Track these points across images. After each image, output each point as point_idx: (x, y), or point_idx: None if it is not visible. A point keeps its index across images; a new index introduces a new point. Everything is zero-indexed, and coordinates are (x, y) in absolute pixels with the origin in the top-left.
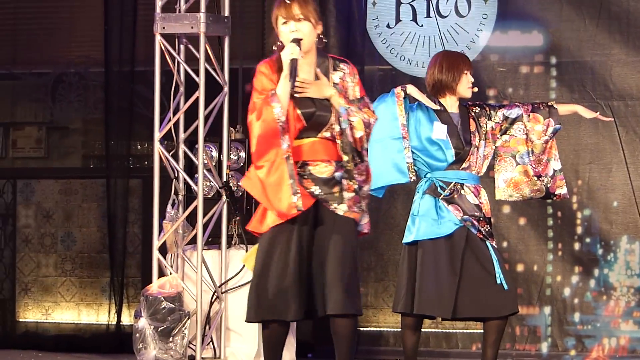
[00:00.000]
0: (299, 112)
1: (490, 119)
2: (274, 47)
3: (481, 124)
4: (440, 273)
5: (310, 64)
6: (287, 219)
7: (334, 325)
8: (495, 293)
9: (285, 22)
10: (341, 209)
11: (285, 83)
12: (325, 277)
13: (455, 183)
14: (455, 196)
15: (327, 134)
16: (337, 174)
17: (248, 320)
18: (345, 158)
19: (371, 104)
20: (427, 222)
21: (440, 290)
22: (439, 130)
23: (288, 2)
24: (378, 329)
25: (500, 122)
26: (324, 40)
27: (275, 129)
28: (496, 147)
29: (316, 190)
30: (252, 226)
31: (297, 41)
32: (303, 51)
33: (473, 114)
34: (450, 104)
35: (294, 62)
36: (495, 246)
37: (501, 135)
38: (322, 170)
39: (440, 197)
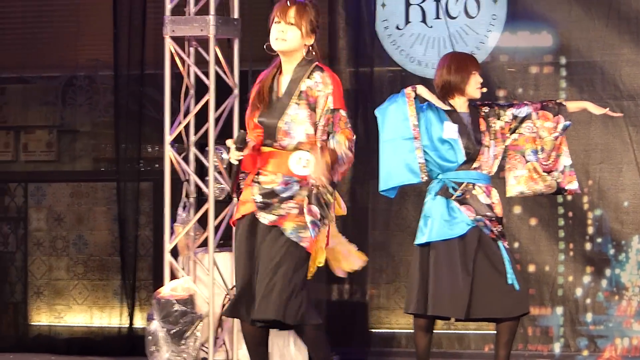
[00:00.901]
0: (255, 120)
1: (499, 118)
2: (264, 46)
3: (491, 124)
4: (453, 274)
5: (290, 71)
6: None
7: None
8: (507, 294)
9: (278, 22)
10: (267, 219)
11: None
12: (258, 285)
13: (467, 183)
14: (467, 196)
15: (278, 144)
16: (279, 188)
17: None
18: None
19: (345, 118)
20: (439, 223)
21: (453, 291)
22: (450, 130)
23: (288, 4)
24: (390, 331)
25: (510, 121)
26: (313, 52)
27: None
28: (506, 146)
29: (257, 198)
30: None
31: (241, 138)
32: (282, 51)
33: (483, 114)
34: (460, 104)
35: (232, 168)
36: (507, 246)
37: (511, 134)
38: (267, 181)
39: (452, 198)
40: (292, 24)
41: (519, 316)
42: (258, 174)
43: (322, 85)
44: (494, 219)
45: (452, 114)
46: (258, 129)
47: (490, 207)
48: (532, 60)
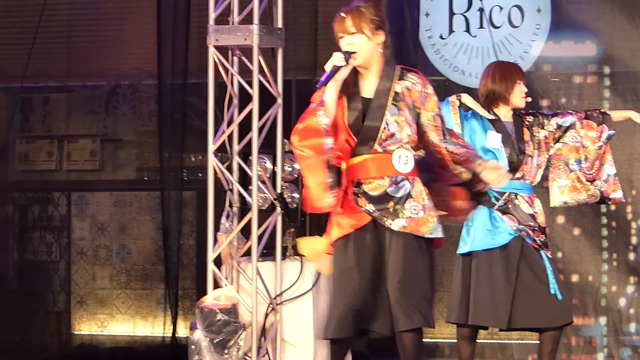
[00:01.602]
0: (347, 126)
1: (543, 127)
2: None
3: (534, 133)
4: (495, 283)
5: (374, 75)
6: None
7: (399, 339)
8: (550, 303)
9: (342, 37)
10: (396, 225)
11: (330, 88)
12: (389, 296)
13: (510, 193)
14: (510, 206)
15: (379, 148)
16: (391, 189)
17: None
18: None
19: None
20: (481, 232)
21: (495, 300)
22: (494, 139)
23: (343, 15)
24: (433, 340)
25: (554, 130)
26: (388, 46)
27: (319, 130)
28: (549, 155)
29: (370, 208)
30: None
31: (347, 53)
32: (361, 64)
33: (527, 123)
34: (504, 114)
35: (333, 68)
36: (550, 256)
37: (554, 144)
38: (375, 187)
39: (495, 208)
40: (354, 33)
41: (562, 326)
42: (358, 184)
43: (422, 86)
44: (536, 228)
45: (496, 123)
46: (351, 135)
47: (533, 216)
48: (576, 70)
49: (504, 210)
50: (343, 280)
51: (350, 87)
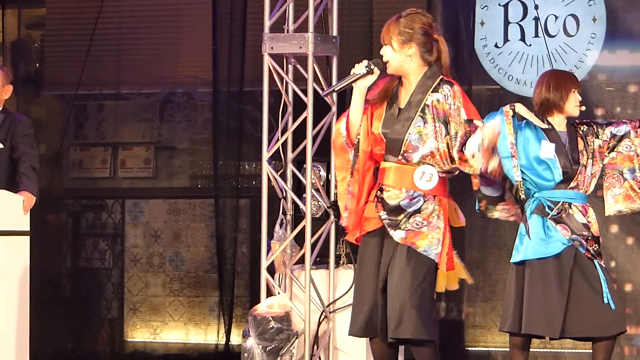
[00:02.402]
0: (377, 132)
1: (597, 137)
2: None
3: (589, 142)
4: (549, 292)
5: (413, 83)
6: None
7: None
8: (603, 313)
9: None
10: (397, 236)
11: (354, 95)
12: (389, 302)
13: (563, 202)
14: (564, 215)
15: (403, 158)
16: (404, 202)
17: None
18: None
19: (479, 123)
20: (535, 241)
21: (548, 309)
22: (547, 149)
23: (385, 25)
24: (486, 349)
25: (608, 139)
26: (427, 59)
27: (341, 143)
28: (604, 164)
29: (382, 215)
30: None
31: (377, 62)
32: (392, 72)
33: (581, 133)
34: (558, 122)
35: (352, 75)
36: (604, 265)
37: (609, 153)
38: (391, 196)
39: (549, 217)
40: (386, 44)
41: (615, 335)
42: (381, 190)
43: (452, 99)
44: (590, 237)
45: (550, 133)
46: (378, 142)
47: (586, 226)
48: (631, 79)
49: (558, 220)
50: (357, 282)
51: (388, 96)
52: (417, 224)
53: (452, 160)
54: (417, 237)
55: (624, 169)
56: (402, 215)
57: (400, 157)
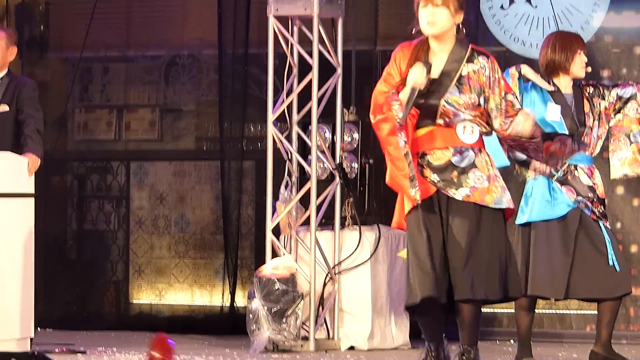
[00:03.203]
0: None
1: (603, 98)
2: (413, 31)
3: (595, 104)
4: (553, 254)
5: (445, 50)
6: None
7: (459, 308)
8: (609, 274)
9: (424, 7)
10: (459, 194)
11: (404, 98)
12: (451, 264)
13: (569, 164)
14: (569, 177)
15: (442, 121)
16: (455, 159)
17: (406, 305)
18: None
19: (516, 100)
20: (540, 203)
21: (553, 271)
22: (553, 112)
23: None
24: (492, 311)
25: (614, 101)
26: (463, 30)
27: (394, 126)
28: (610, 126)
29: (435, 178)
30: (396, 223)
31: (427, 63)
32: (434, 34)
33: (587, 95)
34: (564, 84)
35: (413, 92)
36: (609, 227)
37: (615, 115)
38: (439, 157)
39: (554, 179)
40: (439, 5)
41: (620, 296)
42: (423, 156)
43: (490, 71)
44: (595, 199)
45: (556, 95)
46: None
47: (592, 188)
48: (637, 41)
49: (563, 182)
50: (416, 251)
51: (420, 62)
52: (479, 179)
53: (491, 129)
54: (484, 193)
55: (631, 132)
56: (456, 172)
57: (439, 120)
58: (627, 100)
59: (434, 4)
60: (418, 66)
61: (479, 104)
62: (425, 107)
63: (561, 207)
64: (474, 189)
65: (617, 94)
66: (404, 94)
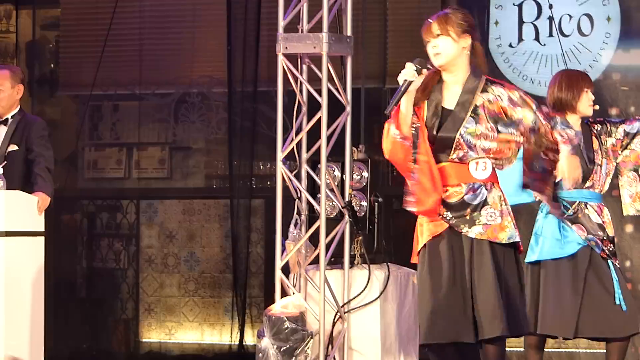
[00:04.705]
0: (426, 132)
1: (611, 135)
2: (427, 65)
3: (603, 141)
4: (563, 293)
5: (458, 82)
6: (435, 234)
7: (483, 348)
8: (616, 313)
9: (428, 41)
10: (473, 232)
11: (403, 102)
12: (474, 303)
13: (579, 202)
14: (580, 215)
15: (455, 156)
16: (468, 197)
17: (422, 343)
18: None
19: (542, 108)
20: (550, 242)
21: (562, 310)
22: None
23: (430, 21)
24: None
25: (622, 137)
26: (475, 56)
27: (396, 143)
28: (617, 162)
29: (447, 215)
30: (414, 259)
31: (421, 62)
32: (443, 65)
33: (595, 132)
34: (572, 122)
35: (403, 83)
36: (618, 266)
37: (622, 151)
38: (452, 194)
39: (564, 217)
40: (439, 35)
41: (629, 336)
42: None
43: (509, 94)
44: (605, 238)
45: None
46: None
47: (601, 226)
48: None
49: (574, 220)
50: (425, 288)
51: (430, 94)
52: (492, 216)
53: (500, 158)
54: (497, 230)
55: (639, 167)
56: (469, 210)
57: (453, 155)
58: (634, 135)
59: (434, 35)
60: (408, 64)
61: (498, 131)
62: (441, 139)
63: (571, 246)
64: (487, 226)
65: (624, 130)
66: (402, 101)
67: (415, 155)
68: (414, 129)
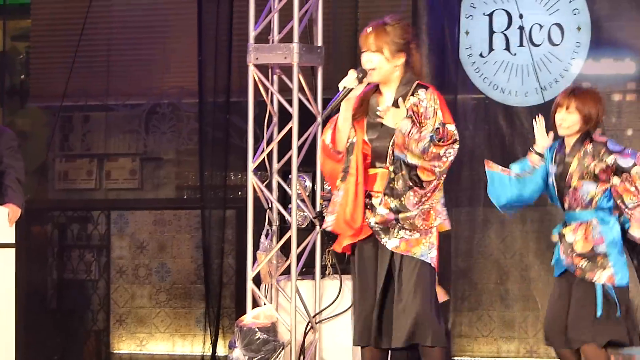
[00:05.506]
0: (365, 138)
1: (601, 160)
2: (362, 79)
3: (586, 163)
4: (557, 309)
5: (392, 93)
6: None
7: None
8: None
9: (364, 51)
10: (390, 245)
11: (342, 107)
12: (396, 309)
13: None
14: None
15: (391, 166)
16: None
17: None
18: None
19: (452, 132)
20: (555, 260)
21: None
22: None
23: (369, 31)
24: (473, 359)
25: (611, 165)
26: (410, 69)
27: (327, 153)
28: (612, 185)
29: (372, 222)
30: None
31: (361, 71)
32: (377, 81)
33: (581, 152)
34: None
35: (343, 89)
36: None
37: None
38: (379, 202)
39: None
40: (374, 51)
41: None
42: (369, 196)
43: (427, 102)
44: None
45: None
46: (368, 147)
47: (579, 244)
48: (615, 88)
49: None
50: (354, 290)
51: (367, 105)
52: (410, 232)
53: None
54: (412, 244)
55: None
56: (393, 221)
57: (387, 163)
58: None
59: (369, 48)
60: (350, 71)
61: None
62: (376, 147)
63: (559, 267)
64: (402, 239)
65: (615, 160)
66: (342, 106)
67: (345, 172)
68: (349, 144)
